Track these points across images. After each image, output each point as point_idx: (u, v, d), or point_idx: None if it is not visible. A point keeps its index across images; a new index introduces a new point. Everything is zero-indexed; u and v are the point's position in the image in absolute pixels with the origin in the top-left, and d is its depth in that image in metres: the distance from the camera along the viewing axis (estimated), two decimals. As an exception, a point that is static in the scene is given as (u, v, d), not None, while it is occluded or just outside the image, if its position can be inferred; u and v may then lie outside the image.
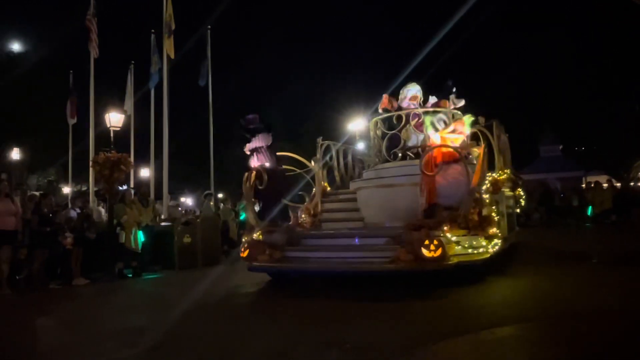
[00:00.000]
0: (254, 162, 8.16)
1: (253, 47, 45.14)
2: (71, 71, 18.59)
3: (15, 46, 26.75)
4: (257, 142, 8.16)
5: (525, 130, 32.07)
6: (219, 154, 22.22)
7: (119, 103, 15.63)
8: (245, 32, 42.95)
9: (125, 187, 13.11)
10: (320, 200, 9.00)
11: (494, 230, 6.60)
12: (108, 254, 9.62)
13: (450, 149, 7.04)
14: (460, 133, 7.28)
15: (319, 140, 9.77)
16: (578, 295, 5.49)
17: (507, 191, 8.59)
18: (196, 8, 26.30)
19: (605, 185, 17.05)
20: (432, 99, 9.06)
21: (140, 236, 9.81)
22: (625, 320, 4.35)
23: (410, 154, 8.55)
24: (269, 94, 39.28)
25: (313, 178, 9.29)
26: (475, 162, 7.40)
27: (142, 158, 18.73)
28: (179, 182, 27.40)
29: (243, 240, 8.14)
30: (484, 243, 6.47)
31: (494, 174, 7.78)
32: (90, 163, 11.76)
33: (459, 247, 6.39)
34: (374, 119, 9.20)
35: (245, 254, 7.53)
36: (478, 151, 7.32)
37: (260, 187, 8.04)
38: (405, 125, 8.49)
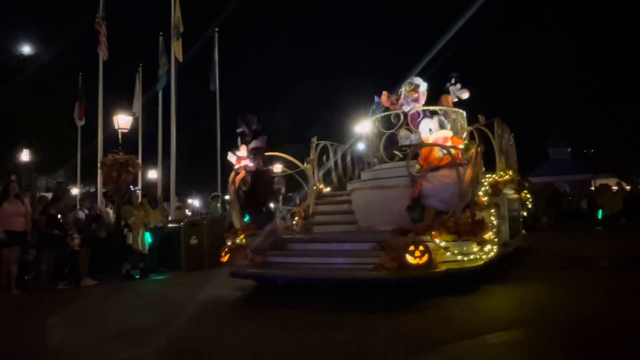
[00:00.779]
0: (250, 163, 7.75)
1: (260, 49, 45.34)
2: (80, 74, 18.74)
3: (26, 49, 27.08)
4: (257, 143, 7.85)
5: (533, 133, 31.95)
6: (226, 156, 22.24)
7: (127, 105, 15.71)
8: (253, 34, 43.15)
9: (136, 188, 13.20)
10: (314, 203, 8.77)
11: (488, 235, 6.09)
12: (115, 255, 9.68)
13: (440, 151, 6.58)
14: (447, 140, 6.75)
15: (314, 140, 9.56)
16: (576, 302, 5.18)
17: (511, 193, 8.32)
18: (204, 11, 26.46)
19: (614, 188, 16.89)
20: (424, 89, 8.37)
21: (148, 237, 9.86)
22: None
23: (399, 154, 8.20)
24: (277, 96, 39.46)
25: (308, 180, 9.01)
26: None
27: (150, 160, 18.82)
28: (187, 183, 27.51)
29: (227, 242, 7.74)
30: (475, 249, 5.96)
31: (494, 175, 7.44)
32: (99, 165, 11.82)
33: (449, 253, 5.90)
34: (372, 118, 8.94)
35: (225, 259, 7.18)
36: (471, 151, 6.75)
37: (244, 189, 7.73)
38: (403, 124, 8.12)
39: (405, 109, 8.20)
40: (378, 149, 8.52)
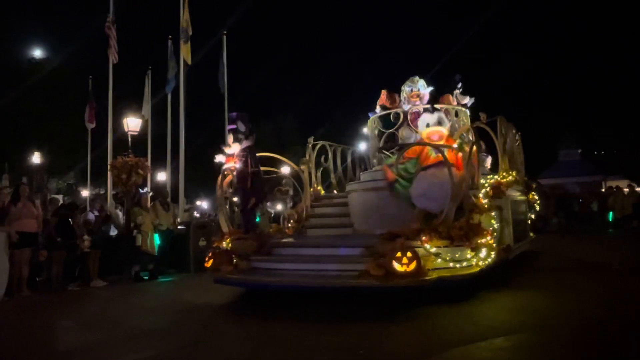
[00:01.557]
0: (237, 164, 7.43)
1: (269, 51, 45.44)
2: (90, 77, 18.92)
3: (37, 53, 27.41)
4: (247, 142, 7.51)
5: (543, 134, 31.70)
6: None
7: (136, 108, 15.84)
8: (261, 36, 43.29)
9: (146, 189, 13.28)
10: (309, 205, 8.49)
11: (485, 239, 5.68)
12: (125, 256, 9.76)
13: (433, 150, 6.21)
14: (442, 137, 6.45)
15: (310, 140, 9.30)
16: (580, 308, 4.98)
17: (517, 195, 8.06)
18: (212, 14, 26.61)
19: (626, 190, 16.73)
20: (427, 91, 8.20)
21: (156, 239, 9.92)
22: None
23: (387, 153, 7.98)
24: (285, 98, 39.54)
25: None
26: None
27: (159, 162, 18.93)
28: (196, 185, 27.64)
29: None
30: (468, 255, 5.57)
31: (496, 176, 7.10)
32: (109, 167, 11.92)
33: (440, 260, 5.54)
34: (372, 117, 8.74)
35: (209, 264, 6.80)
36: (464, 149, 6.46)
37: (230, 191, 7.50)
38: (403, 124, 7.94)
39: (405, 107, 8.08)
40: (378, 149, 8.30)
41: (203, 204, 33.48)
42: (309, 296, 5.95)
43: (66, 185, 27.81)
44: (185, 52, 14.23)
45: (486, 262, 5.71)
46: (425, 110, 7.01)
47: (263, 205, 8.41)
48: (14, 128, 23.07)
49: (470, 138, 7.39)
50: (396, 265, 5.29)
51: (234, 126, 7.58)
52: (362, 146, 10.79)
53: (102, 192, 23.86)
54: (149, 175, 14.57)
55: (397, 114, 8.11)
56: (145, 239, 9.62)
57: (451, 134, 6.86)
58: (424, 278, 5.30)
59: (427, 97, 8.13)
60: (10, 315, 6.75)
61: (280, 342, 4.53)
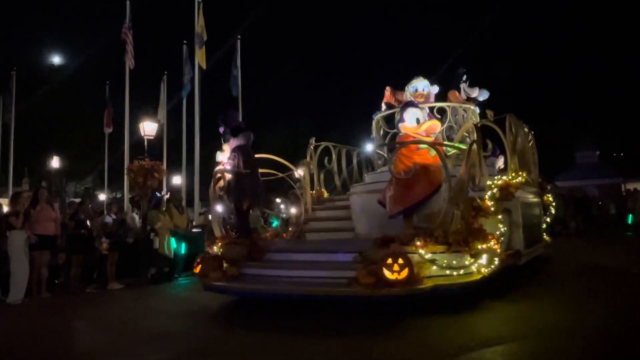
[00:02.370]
0: (228, 165, 7.03)
1: (282, 56, 45.65)
2: (107, 82, 19.21)
3: (56, 59, 27.96)
4: (237, 141, 7.02)
5: (560, 136, 31.27)
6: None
7: (152, 112, 16.05)
8: (275, 41, 43.52)
9: (163, 193, 13.43)
10: (310, 208, 8.23)
11: (487, 245, 5.23)
12: (142, 259, 9.88)
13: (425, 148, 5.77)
14: (433, 131, 6.10)
15: (311, 141, 9.03)
16: (589, 317, 4.71)
17: (530, 197, 7.75)
18: (227, 19, 26.86)
19: (645, 192, 16.40)
20: (434, 90, 7.97)
21: (173, 242, 10.02)
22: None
23: (382, 153, 7.78)
24: (298, 102, 39.65)
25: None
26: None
27: (174, 165, 19.13)
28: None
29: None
30: (467, 262, 5.15)
31: (504, 177, 6.61)
32: (125, 171, 12.09)
33: (435, 267, 5.14)
34: (376, 118, 8.52)
35: (197, 270, 6.55)
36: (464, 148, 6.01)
37: (220, 194, 7.18)
38: None
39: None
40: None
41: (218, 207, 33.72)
42: (299, 304, 5.66)
43: (84, 189, 28.23)
44: (200, 57, 14.40)
45: (489, 269, 5.32)
46: (410, 104, 6.49)
47: (260, 208, 8.06)
48: (34, 133, 23.52)
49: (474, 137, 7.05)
50: (387, 273, 4.90)
51: (221, 129, 7.18)
52: (369, 147, 10.50)
53: (119, 195, 24.16)
54: (164, 178, 14.74)
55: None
56: (162, 241, 9.74)
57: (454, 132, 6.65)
58: (417, 286, 4.93)
59: (433, 96, 7.98)
60: (30, 317, 6.87)
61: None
